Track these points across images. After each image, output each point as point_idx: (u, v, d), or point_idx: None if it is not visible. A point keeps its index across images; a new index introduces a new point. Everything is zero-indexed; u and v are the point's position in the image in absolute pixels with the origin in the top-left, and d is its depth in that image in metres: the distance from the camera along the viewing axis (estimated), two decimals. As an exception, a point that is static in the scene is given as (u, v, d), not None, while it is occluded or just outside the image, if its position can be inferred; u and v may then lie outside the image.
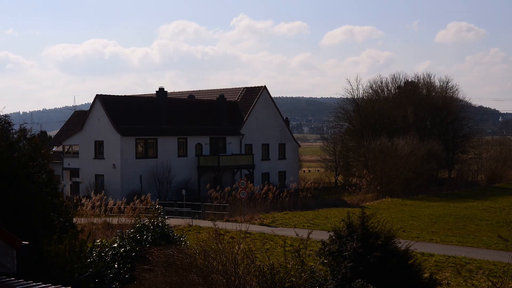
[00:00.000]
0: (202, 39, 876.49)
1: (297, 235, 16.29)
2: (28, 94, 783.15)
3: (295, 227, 32.63)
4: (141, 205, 39.75)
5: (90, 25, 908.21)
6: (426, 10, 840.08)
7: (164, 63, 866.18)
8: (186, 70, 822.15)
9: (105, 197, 42.21)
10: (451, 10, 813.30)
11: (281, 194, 46.77)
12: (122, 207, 40.19)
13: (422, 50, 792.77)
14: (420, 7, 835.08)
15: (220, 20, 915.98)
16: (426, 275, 15.75)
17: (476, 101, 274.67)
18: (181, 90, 74.52)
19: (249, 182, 49.18)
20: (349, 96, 76.02)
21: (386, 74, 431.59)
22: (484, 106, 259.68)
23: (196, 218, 38.80)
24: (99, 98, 56.42)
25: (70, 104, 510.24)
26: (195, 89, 74.22)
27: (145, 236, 19.21)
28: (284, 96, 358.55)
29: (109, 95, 58.43)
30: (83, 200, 40.30)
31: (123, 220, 36.37)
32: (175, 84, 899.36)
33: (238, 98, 67.08)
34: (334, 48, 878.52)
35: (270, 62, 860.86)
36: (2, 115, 19.96)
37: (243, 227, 22.67)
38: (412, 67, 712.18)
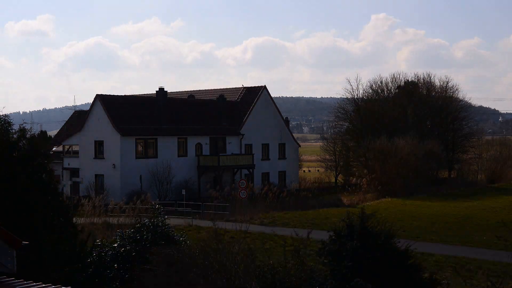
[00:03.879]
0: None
1: (297, 235, 16.30)
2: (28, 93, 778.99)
3: (295, 227, 32.59)
4: (141, 205, 39.75)
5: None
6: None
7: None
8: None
9: (106, 197, 42.24)
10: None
11: (281, 194, 46.78)
12: (122, 207, 40.20)
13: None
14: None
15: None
16: (426, 275, 15.76)
17: (476, 101, 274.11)
18: (181, 90, 74.56)
19: (249, 182, 49.20)
20: (349, 96, 76.11)
21: (386, 74, 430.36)
22: (484, 106, 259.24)
23: (196, 218, 38.80)
24: (99, 98, 56.41)
25: (70, 104, 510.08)
26: (195, 89, 74.24)
27: (145, 236, 19.21)
28: (284, 96, 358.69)
29: (109, 95, 58.43)
30: (83, 200, 40.29)
31: (123, 220, 36.38)
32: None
33: (238, 98, 67.05)
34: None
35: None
36: (2, 115, 19.91)
37: (243, 227, 22.65)
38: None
